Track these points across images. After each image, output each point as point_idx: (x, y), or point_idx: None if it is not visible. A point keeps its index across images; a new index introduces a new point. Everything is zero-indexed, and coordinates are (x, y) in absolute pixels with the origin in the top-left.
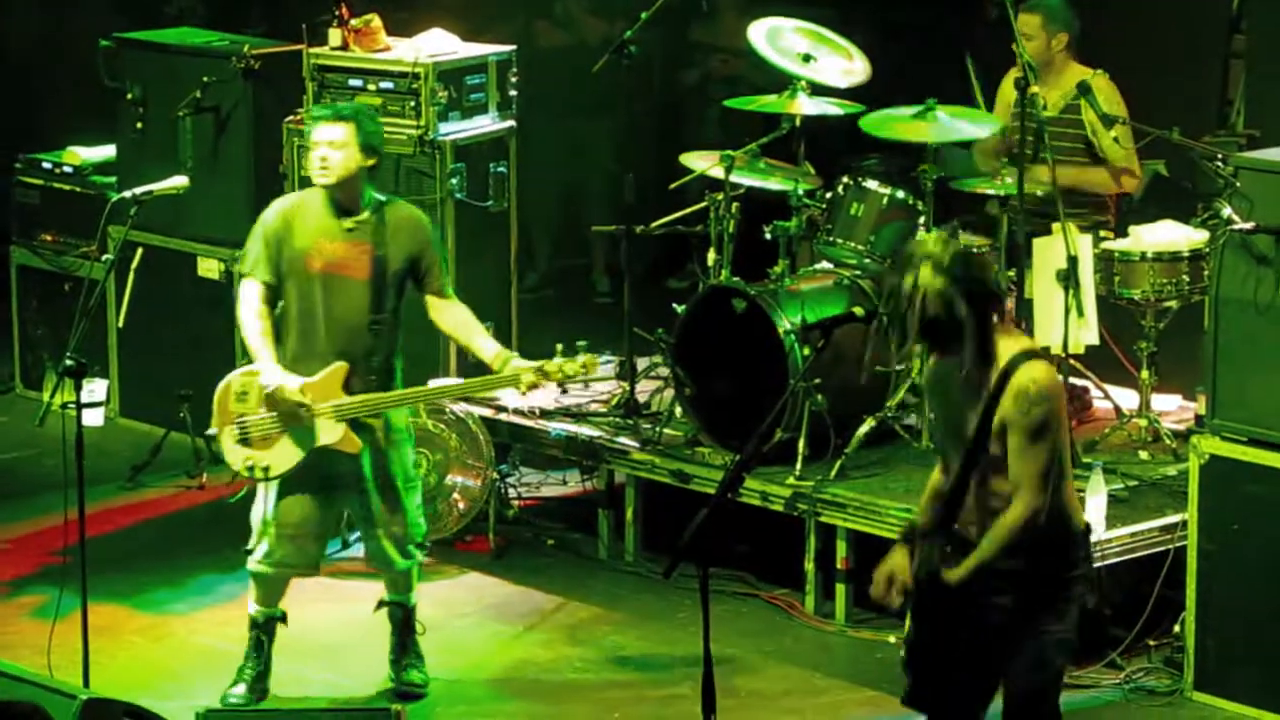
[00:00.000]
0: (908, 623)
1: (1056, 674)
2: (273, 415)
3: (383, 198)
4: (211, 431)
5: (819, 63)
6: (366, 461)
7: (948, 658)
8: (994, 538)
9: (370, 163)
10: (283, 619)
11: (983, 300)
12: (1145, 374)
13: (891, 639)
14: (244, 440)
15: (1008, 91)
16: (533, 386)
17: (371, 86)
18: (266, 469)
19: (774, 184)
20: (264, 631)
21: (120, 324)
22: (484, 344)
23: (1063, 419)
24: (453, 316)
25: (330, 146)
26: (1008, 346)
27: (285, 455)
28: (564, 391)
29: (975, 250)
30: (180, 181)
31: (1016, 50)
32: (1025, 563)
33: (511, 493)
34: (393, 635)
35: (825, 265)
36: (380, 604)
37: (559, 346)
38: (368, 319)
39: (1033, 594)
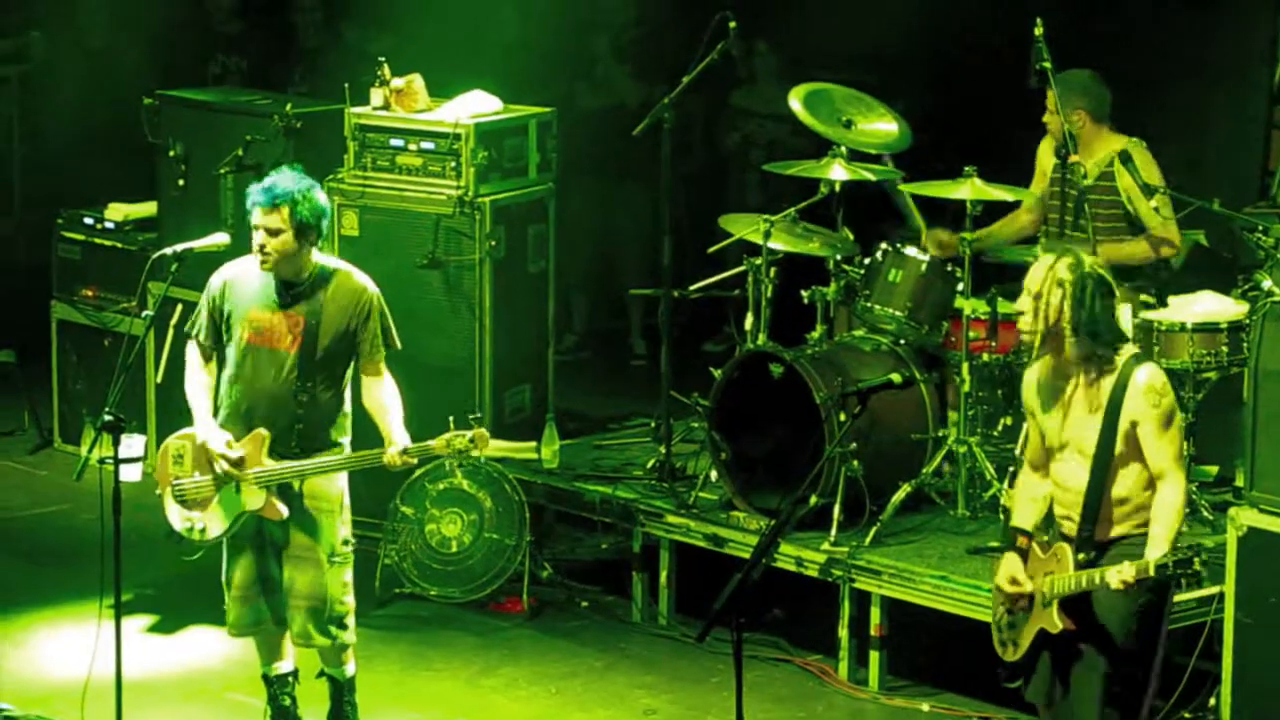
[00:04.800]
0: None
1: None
2: (207, 478)
3: (331, 269)
4: (158, 493)
5: (858, 128)
6: (291, 531)
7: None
8: (1168, 523)
9: (308, 240)
10: (293, 675)
11: (1112, 315)
12: (1184, 445)
13: (925, 707)
14: (182, 501)
15: (1044, 160)
16: (399, 464)
17: (412, 146)
18: (203, 530)
19: (812, 249)
20: (277, 689)
21: (159, 380)
22: (389, 428)
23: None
24: (372, 397)
25: (266, 232)
26: (1120, 354)
27: (219, 518)
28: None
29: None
30: (221, 239)
31: (1045, 120)
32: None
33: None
34: (330, 706)
35: (863, 331)
36: (320, 673)
37: (451, 419)
38: (292, 390)
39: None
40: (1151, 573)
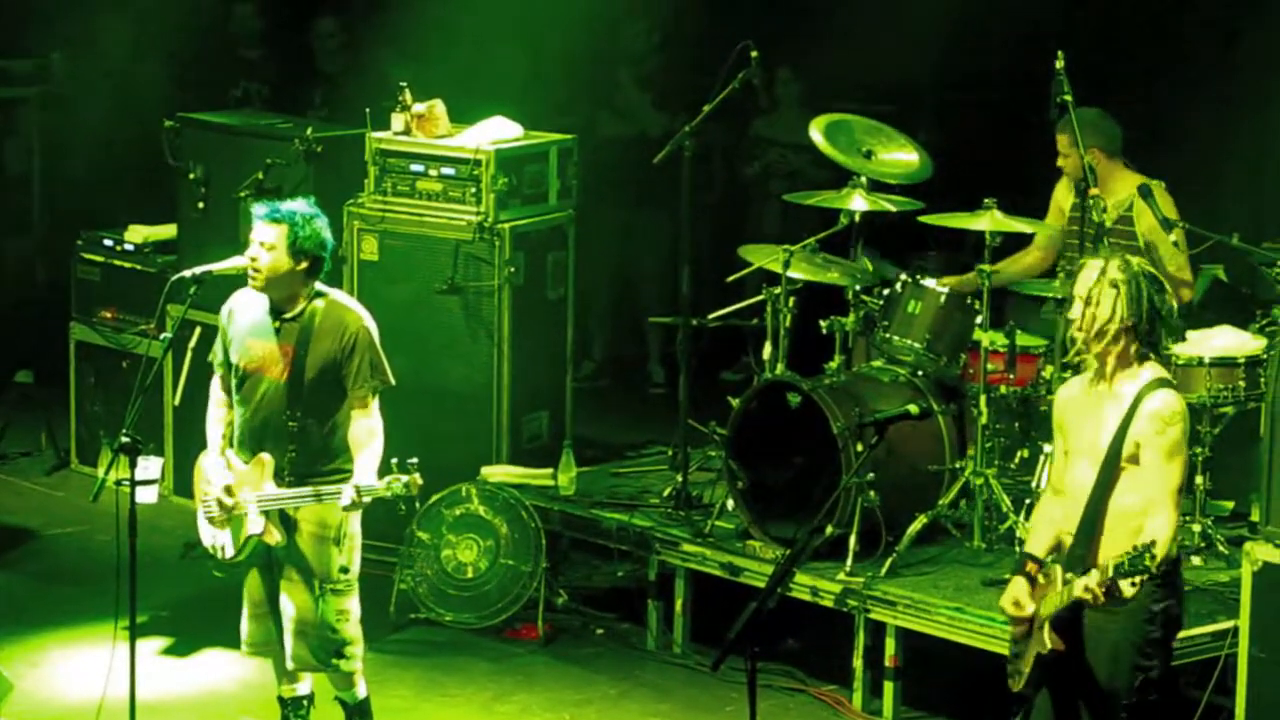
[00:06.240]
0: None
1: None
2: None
3: (325, 298)
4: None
5: (878, 159)
6: (288, 555)
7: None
8: (1159, 545)
9: (302, 266)
10: (309, 700)
11: (1163, 319)
12: (1200, 480)
13: None
14: (210, 520)
15: (1061, 198)
16: (353, 506)
17: (433, 172)
18: (223, 549)
19: (831, 279)
20: (290, 711)
21: (176, 402)
22: (355, 466)
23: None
24: (353, 430)
25: (262, 246)
26: (1144, 375)
27: (232, 540)
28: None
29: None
30: (240, 262)
31: (1060, 165)
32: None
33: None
34: None
35: (881, 362)
36: (335, 697)
37: (394, 462)
38: (283, 417)
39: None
40: (1110, 573)
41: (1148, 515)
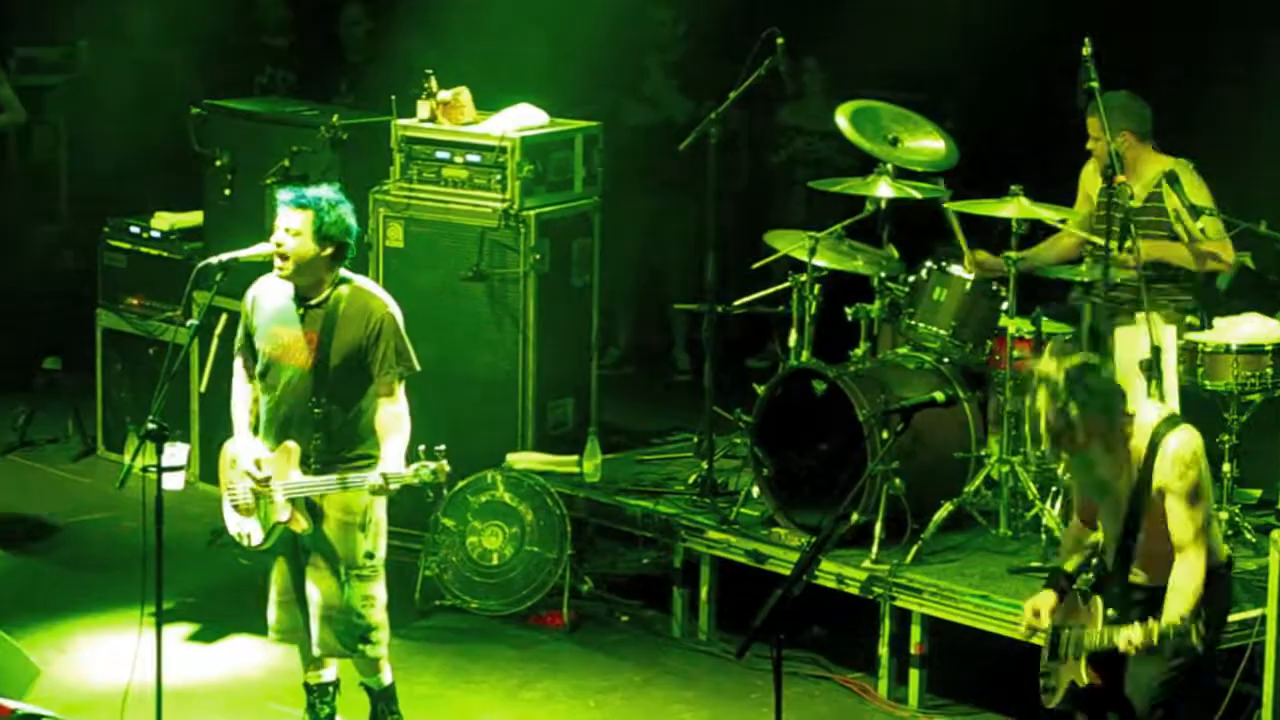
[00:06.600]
0: (1041, 677)
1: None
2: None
3: (350, 285)
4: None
5: (905, 146)
6: (314, 541)
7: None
8: (1182, 597)
9: (327, 252)
10: (334, 685)
11: (1100, 408)
12: (1227, 467)
13: None
14: (235, 507)
15: (1088, 184)
16: (379, 492)
17: (458, 159)
18: (249, 537)
19: (857, 266)
20: (316, 697)
21: (202, 389)
22: (382, 452)
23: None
24: (379, 417)
25: (288, 233)
26: (1148, 417)
27: (260, 527)
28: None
29: (1089, 363)
30: (267, 249)
31: (1090, 147)
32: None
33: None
34: (370, 713)
35: (906, 349)
36: (361, 683)
37: (421, 449)
38: (308, 405)
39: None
40: (1154, 640)
41: (1176, 558)
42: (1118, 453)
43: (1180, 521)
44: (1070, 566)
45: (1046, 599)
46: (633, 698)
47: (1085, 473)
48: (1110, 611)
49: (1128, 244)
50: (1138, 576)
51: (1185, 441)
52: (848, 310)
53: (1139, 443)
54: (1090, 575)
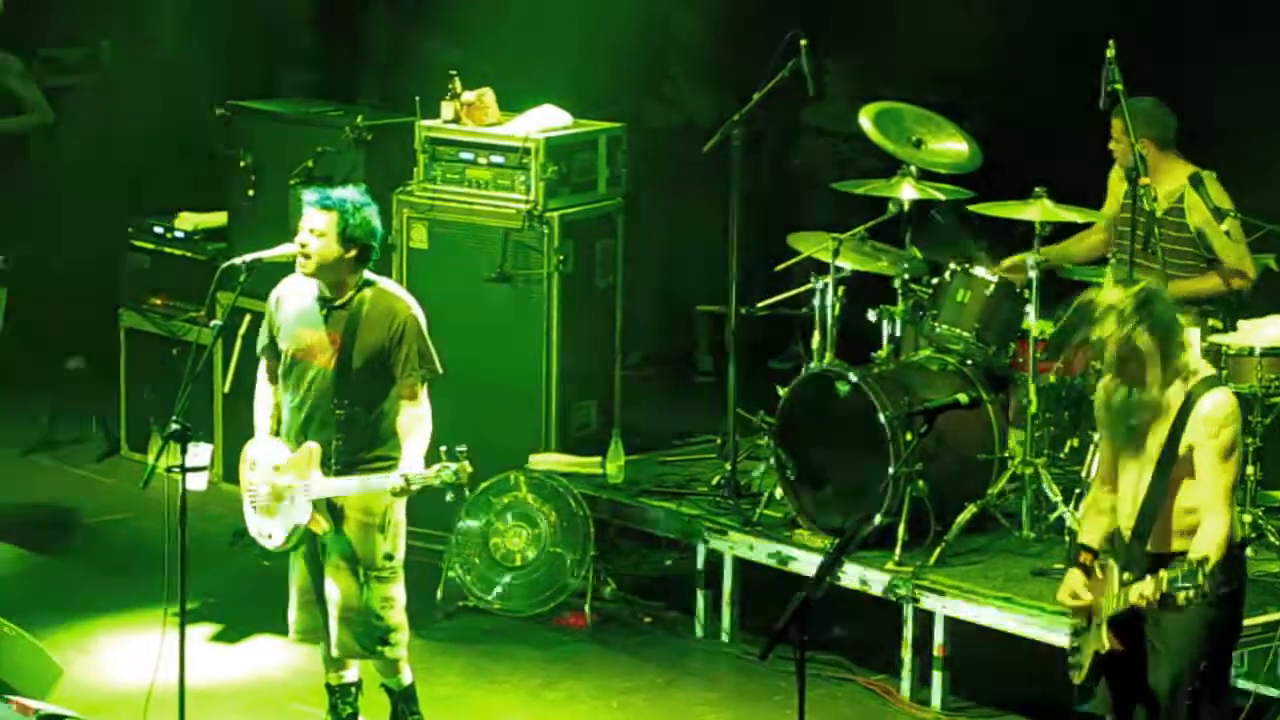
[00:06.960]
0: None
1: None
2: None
3: (374, 286)
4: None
5: (928, 148)
6: (334, 542)
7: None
8: (1202, 551)
9: (351, 254)
10: (356, 686)
11: (1163, 332)
12: (1251, 470)
13: None
14: (255, 508)
15: (1115, 185)
16: (401, 493)
17: (482, 160)
18: (270, 537)
19: (880, 268)
20: (338, 698)
21: (226, 389)
22: (403, 454)
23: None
24: (402, 419)
25: (312, 233)
26: (1192, 373)
27: (281, 527)
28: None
29: (1154, 290)
30: (291, 249)
31: (1111, 148)
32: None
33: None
34: (391, 713)
35: (929, 351)
36: (381, 683)
37: (443, 450)
38: (331, 405)
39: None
40: (1165, 587)
41: (1203, 514)
42: (1163, 397)
43: (1209, 479)
44: (1095, 543)
45: (1077, 578)
46: (656, 699)
47: (1125, 417)
48: (1126, 575)
49: (1151, 244)
50: (1154, 542)
51: (1221, 401)
52: (871, 312)
53: (1175, 397)
54: (1109, 552)
